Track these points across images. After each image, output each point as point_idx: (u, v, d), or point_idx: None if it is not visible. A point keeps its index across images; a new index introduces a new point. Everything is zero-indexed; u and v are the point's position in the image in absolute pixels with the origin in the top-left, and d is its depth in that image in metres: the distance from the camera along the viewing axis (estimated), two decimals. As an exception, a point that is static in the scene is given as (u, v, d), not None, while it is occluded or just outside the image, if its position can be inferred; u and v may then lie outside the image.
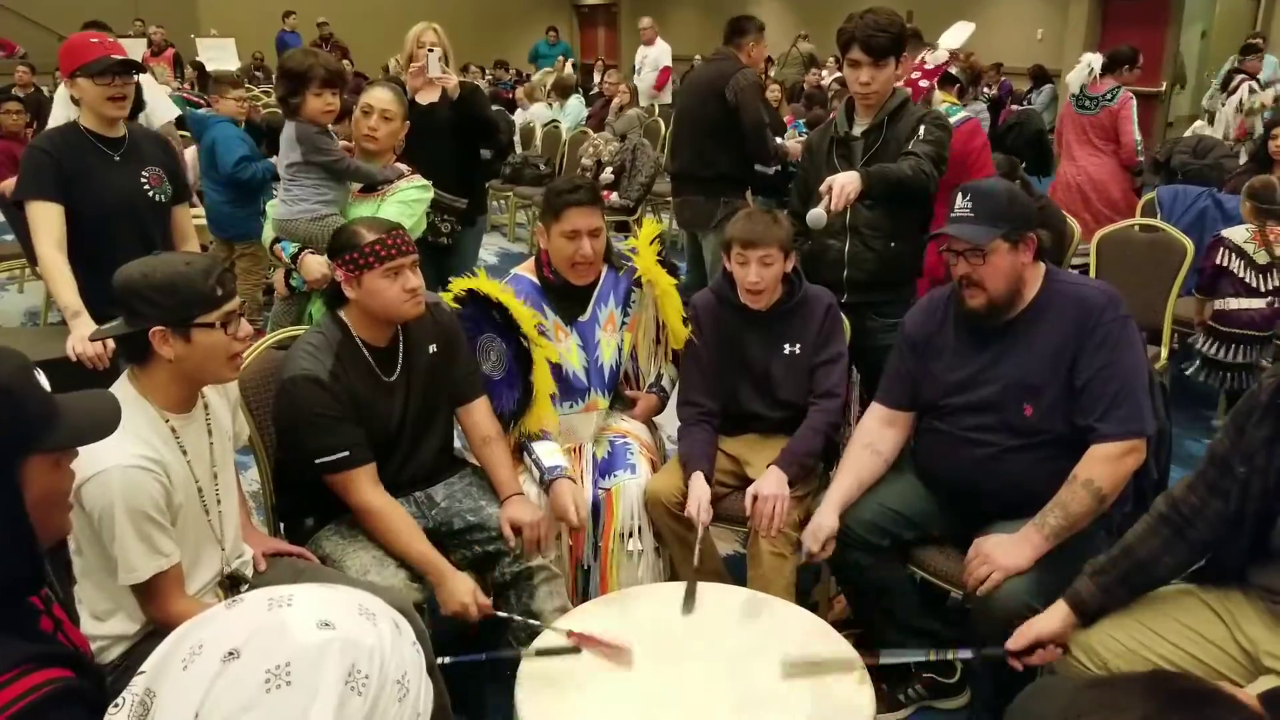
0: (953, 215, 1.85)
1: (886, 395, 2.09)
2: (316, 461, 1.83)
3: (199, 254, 1.78)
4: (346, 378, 1.87)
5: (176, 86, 8.61)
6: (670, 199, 6.50)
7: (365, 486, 1.85)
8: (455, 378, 2.07)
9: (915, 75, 3.11)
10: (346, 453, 1.83)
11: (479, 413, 2.10)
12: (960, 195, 1.85)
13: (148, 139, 2.59)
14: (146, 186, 2.48)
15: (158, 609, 1.51)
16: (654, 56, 8.65)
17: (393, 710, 0.70)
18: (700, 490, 2.10)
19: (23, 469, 0.99)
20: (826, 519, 1.95)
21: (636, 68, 8.87)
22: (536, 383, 2.17)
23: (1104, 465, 1.73)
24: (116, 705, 0.70)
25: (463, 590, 1.81)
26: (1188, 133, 6.32)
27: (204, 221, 4.49)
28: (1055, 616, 1.57)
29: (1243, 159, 4.81)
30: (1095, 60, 4.80)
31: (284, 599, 0.71)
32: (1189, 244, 3.32)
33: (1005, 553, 1.72)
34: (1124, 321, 1.79)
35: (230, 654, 0.66)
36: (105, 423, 1.13)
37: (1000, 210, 1.81)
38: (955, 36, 3.17)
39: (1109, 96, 4.72)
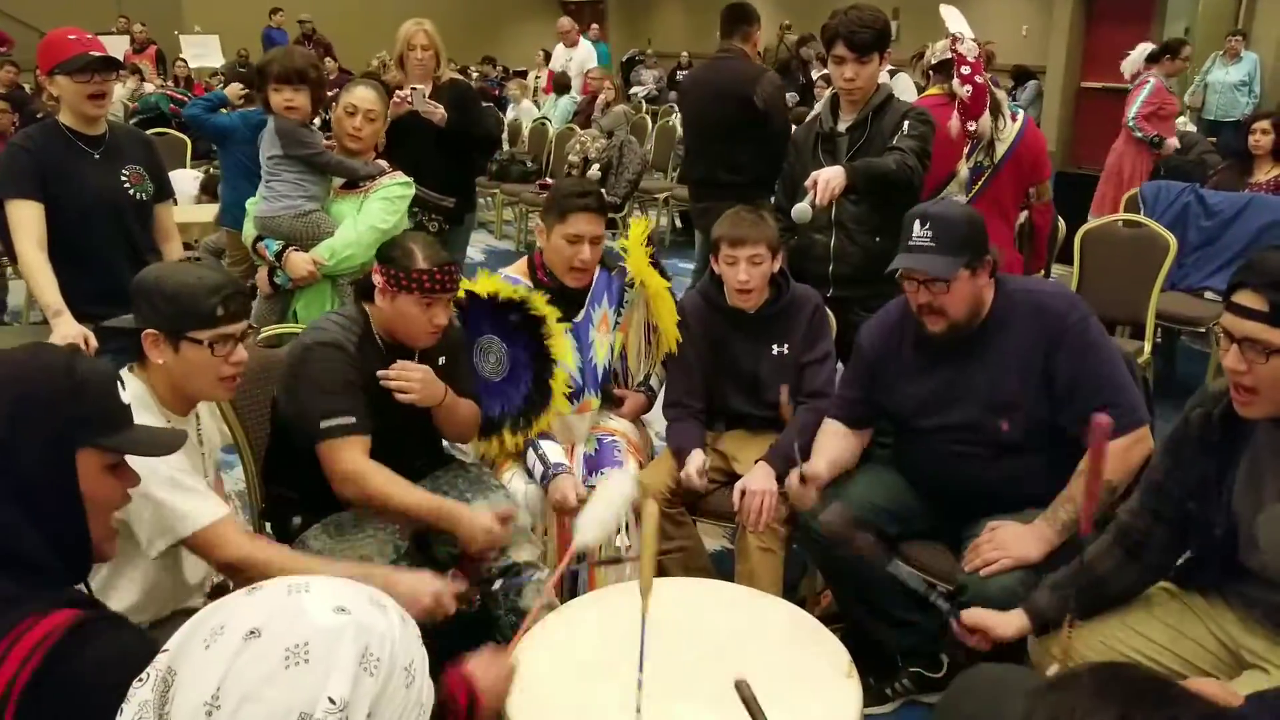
0: (910, 243, 1.78)
1: (840, 413, 2.07)
2: (322, 425, 1.80)
3: (215, 272, 1.78)
4: (363, 366, 1.87)
5: (160, 84, 8.55)
6: (656, 195, 6.57)
7: (358, 455, 1.82)
8: (457, 389, 2.05)
9: (966, 71, 2.77)
10: (354, 419, 1.81)
11: None
12: (919, 222, 1.78)
13: (129, 137, 2.57)
14: (127, 185, 2.46)
15: (224, 553, 1.50)
16: (580, 59, 8.20)
17: (400, 695, 0.73)
18: (697, 459, 2.11)
19: (78, 456, 1.04)
20: (822, 469, 1.95)
21: (560, 71, 8.32)
22: (557, 376, 2.16)
23: (1112, 458, 1.68)
24: (141, 680, 0.74)
25: (483, 520, 1.81)
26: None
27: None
28: (1013, 621, 1.57)
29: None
30: (1144, 49, 5.25)
31: (302, 586, 0.75)
32: (1172, 239, 3.35)
33: (1019, 542, 1.71)
34: (1088, 320, 1.79)
35: (251, 633, 0.70)
36: (162, 445, 1.17)
37: (961, 239, 1.76)
38: (959, 21, 2.90)
39: (1136, 79, 5.07)
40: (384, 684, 0.71)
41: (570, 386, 2.23)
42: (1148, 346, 3.28)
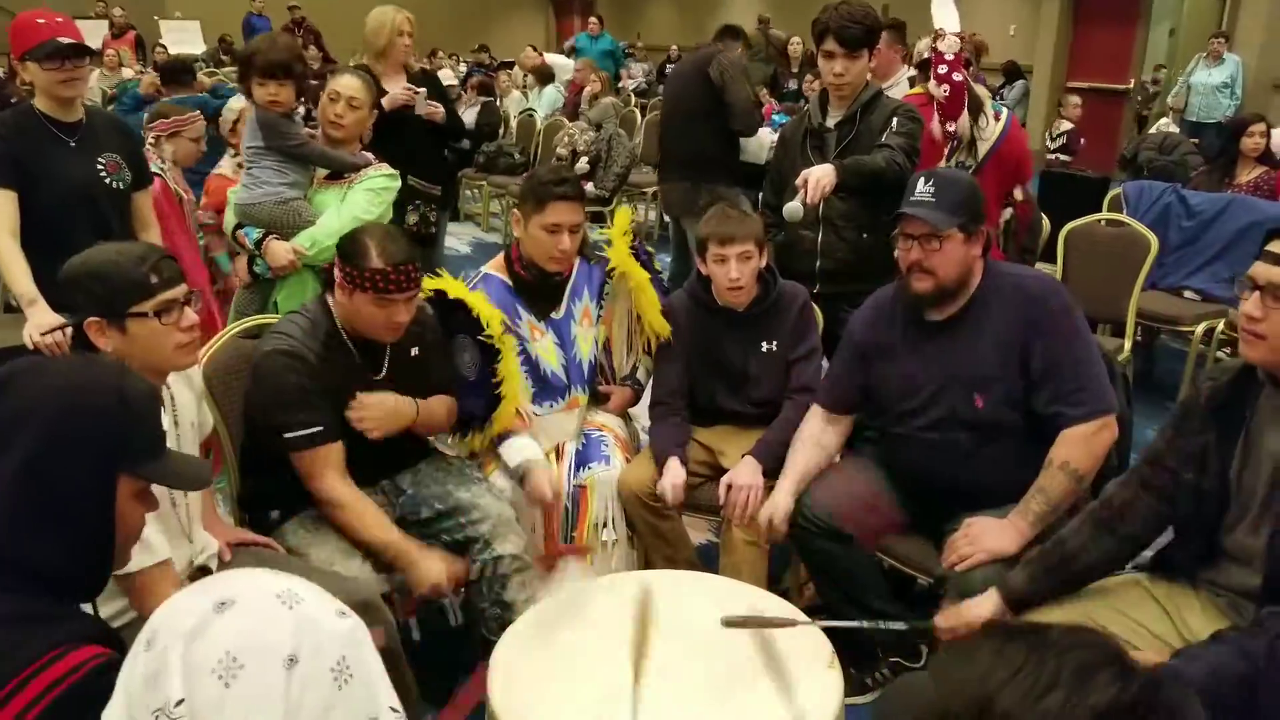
0: (913, 198, 1.83)
1: (827, 398, 2.09)
2: (286, 436, 1.78)
3: (135, 244, 1.75)
4: (329, 368, 1.84)
5: (139, 70, 8.43)
6: (644, 190, 6.55)
7: (332, 475, 1.82)
8: (433, 381, 2.04)
9: (943, 70, 2.76)
10: (320, 428, 1.79)
11: None
12: (923, 180, 1.83)
13: (106, 124, 2.52)
14: (104, 173, 2.41)
15: (142, 602, 1.45)
16: (559, 75, 8.25)
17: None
18: (674, 472, 2.10)
19: (118, 480, 1.00)
20: (783, 499, 1.98)
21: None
22: (506, 378, 2.10)
23: (1078, 446, 1.74)
24: None
25: (434, 570, 1.80)
26: (1153, 129, 6.42)
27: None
28: (987, 603, 1.58)
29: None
30: None
31: (293, 596, 0.71)
32: (1153, 238, 3.38)
33: (993, 536, 1.73)
34: (1069, 306, 1.82)
35: (291, 660, 0.67)
36: (191, 480, 1.12)
37: (961, 200, 1.81)
38: (949, 16, 2.84)
39: None
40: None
41: (531, 390, 2.20)
42: (1128, 344, 3.31)
